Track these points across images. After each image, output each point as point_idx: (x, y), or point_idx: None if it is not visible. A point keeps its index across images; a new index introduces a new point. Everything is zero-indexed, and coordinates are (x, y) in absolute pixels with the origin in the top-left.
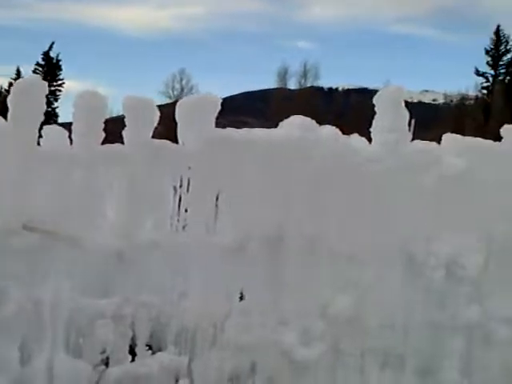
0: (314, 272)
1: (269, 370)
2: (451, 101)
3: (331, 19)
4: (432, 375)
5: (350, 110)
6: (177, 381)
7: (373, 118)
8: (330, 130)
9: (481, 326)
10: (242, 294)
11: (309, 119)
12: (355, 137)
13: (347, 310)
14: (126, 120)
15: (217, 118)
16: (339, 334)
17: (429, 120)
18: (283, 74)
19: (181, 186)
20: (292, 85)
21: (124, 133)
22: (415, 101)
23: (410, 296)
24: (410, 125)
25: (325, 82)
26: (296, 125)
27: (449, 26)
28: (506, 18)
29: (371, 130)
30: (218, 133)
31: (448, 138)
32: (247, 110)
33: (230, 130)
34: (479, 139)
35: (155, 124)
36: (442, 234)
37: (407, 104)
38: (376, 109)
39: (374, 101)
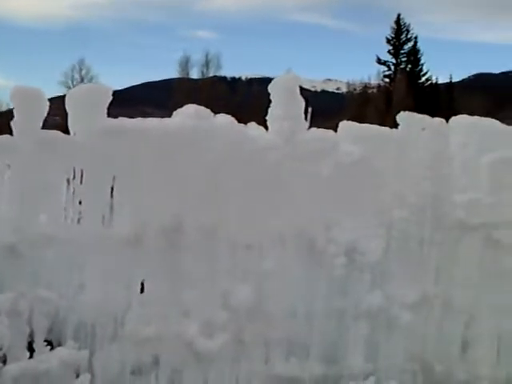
0: (214, 262)
1: (172, 362)
2: (354, 89)
3: (233, 8)
4: (337, 363)
5: (252, 100)
6: (77, 376)
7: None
8: (225, 119)
9: (383, 311)
10: (142, 286)
11: (203, 108)
12: (252, 125)
13: (248, 300)
14: (14, 111)
15: (117, 109)
16: (242, 324)
17: (332, 108)
18: (185, 64)
19: (74, 178)
20: (194, 74)
21: (12, 124)
22: (319, 90)
23: (311, 284)
24: (306, 113)
25: (227, 72)
26: (190, 114)
27: (351, 16)
28: (406, 7)
29: (267, 118)
30: (110, 122)
31: (344, 125)
32: (149, 100)
33: (123, 120)
34: (375, 126)
35: (45, 114)
36: (342, 221)
37: (311, 93)
38: (271, 97)
39: (270, 89)
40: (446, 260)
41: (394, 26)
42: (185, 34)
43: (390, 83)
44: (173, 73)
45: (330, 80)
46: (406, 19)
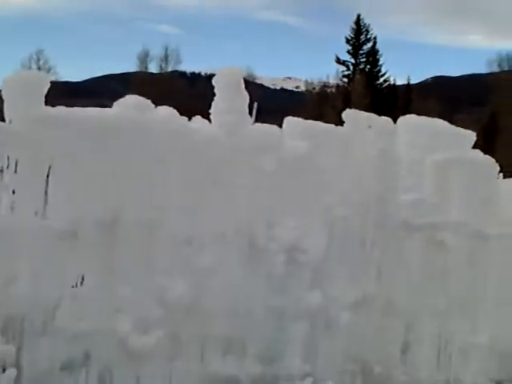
0: (151, 257)
1: (104, 359)
2: (313, 88)
3: (195, 3)
4: (275, 362)
5: (212, 95)
6: (4, 370)
7: None
8: (167, 111)
9: (323, 311)
10: (78, 280)
11: (143, 99)
12: (197, 118)
13: (185, 296)
14: None
15: (74, 101)
16: (178, 321)
17: (292, 106)
18: (144, 58)
19: (8, 167)
20: (153, 68)
21: None
22: (278, 87)
23: (251, 281)
24: (252, 107)
25: (187, 67)
26: (131, 105)
27: (312, 15)
28: (366, 8)
29: (210, 111)
30: (47, 111)
31: (290, 121)
32: (107, 93)
33: (60, 109)
34: (321, 123)
35: None
36: (284, 218)
37: (270, 90)
38: (216, 90)
39: (214, 82)
40: (388, 260)
41: (354, 26)
42: (146, 27)
43: (348, 83)
44: (132, 66)
45: (289, 78)
46: (366, 20)
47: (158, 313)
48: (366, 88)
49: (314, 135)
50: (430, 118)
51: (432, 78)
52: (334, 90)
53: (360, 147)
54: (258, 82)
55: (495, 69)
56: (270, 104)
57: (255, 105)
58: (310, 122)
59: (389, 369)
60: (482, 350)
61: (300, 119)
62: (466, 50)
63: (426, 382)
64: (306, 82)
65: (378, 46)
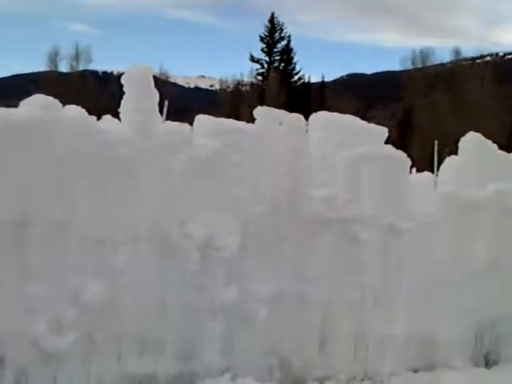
0: (63, 258)
1: (19, 361)
2: (228, 86)
3: (108, 2)
4: (192, 359)
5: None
6: None
7: None
8: (75, 111)
9: (239, 307)
10: None
11: (51, 98)
12: (106, 117)
13: (100, 296)
14: None
15: None
16: (93, 321)
17: (206, 105)
18: (54, 57)
19: None
20: (64, 68)
21: None
22: (192, 86)
23: (166, 279)
24: (163, 106)
25: (100, 66)
26: (37, 104)
27: (225, 13)
28: (280, 6)
29: (120, 110)
30: None
31: (200, 119)
32: (18, 93)
33: None
34: (232, 120)
35: None
36: (197, 215)
37: (184, 89)
38: (125, 89)
39: (123, 81)
40: (302, 255)
41: (268, 24)
42: (58, 25)
43: (262, 81)
44: (42, 66)
45: (203, 77)
46: (280, 18)
47: (72, 313)
48: (280, 86)
49: (224, 133)
50: (341, 115)
51: (347, 75)
52: (248, 88)
53: (271, 144)
54: (172, 80)
55: (409, 66)
56: (185, 103)
57: (166, 103)
58: (221, 119)
59: (307, 362)
60: (398, 340)
61: (210, 117)
62: (381, 47)
63: (344, 374)
64: (221, 80)
65: (292, 44)
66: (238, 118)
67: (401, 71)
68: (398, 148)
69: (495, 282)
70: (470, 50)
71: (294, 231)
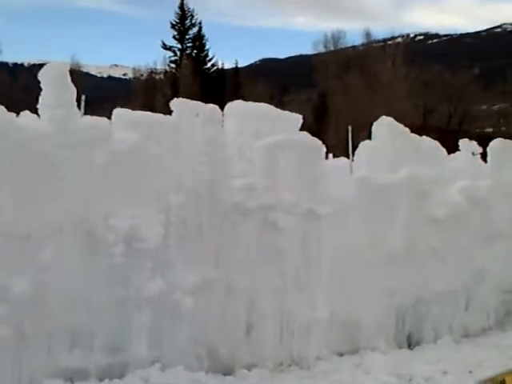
0: None
1: None
2: (141, 75)
3: None
4: (121, 352)
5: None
6: None
7: None
8: None
9: (166, 298)
10: None
11: None
12: (25, 113)
13: (27, 292)
14: None
15: None
16: (22, 317)
17: (120, 95)
18: None
19: None
20: None
21: None
22: (105, 75)
23: (92, 273)
24: (80, 100)
25: (9, 57)
26: None
27: (136, 1)
28: None
29: (38, 106)
30: None
31: (118, 112)
32: None
33: None
34: (149, 113)
35: None
36: (120, 208)
37: (97, 79)
38: (42, 85)
39: (40, 77)
40: (225, 244)
41: (179, 11)
42: None
43: (176, 69)
44: None
45: (116, 66)
46: (190, 4)
47: (1, 309)
48: (193, 73)
49: (143, 126)
50: (256, 104)
51: (260, 60)
52: (162, 76)
53: (189, 135)
54: (84, 70)
55: (321, 49)
56: (98, 93)
57: (83, 97)
58: (139, 112)
59: (233, 350)
60: (322, 324)
61: (129, 110)
62: (294, 31)
63: (271, 359)
64: (134, 69)
65: (203, 31)
66: (153, 108)
67: (313, 55)
68: (314, 133)
69: (414, 265)
70: (380, 31)
71: (216, 221)
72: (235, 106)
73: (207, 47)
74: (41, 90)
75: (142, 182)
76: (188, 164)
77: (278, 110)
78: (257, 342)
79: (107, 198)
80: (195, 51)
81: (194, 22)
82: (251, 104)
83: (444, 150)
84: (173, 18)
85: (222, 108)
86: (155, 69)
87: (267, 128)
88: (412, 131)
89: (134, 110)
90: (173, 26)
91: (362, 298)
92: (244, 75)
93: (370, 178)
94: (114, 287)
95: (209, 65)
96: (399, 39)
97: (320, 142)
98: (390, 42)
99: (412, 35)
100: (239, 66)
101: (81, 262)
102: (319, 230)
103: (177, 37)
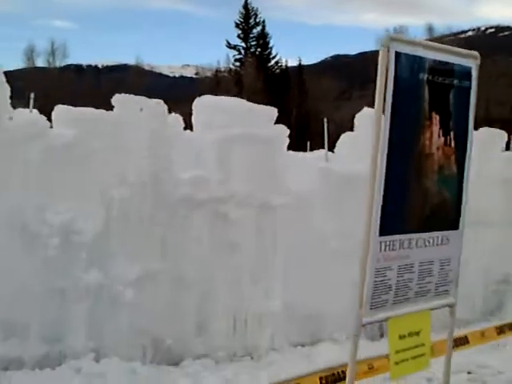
0: None
1: None
2: (209, 75)
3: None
4: (59, 341)
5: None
6: None
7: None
8: None
9: (106, 289)
10: None
11: None
12: None
13: None
14: None
15: None
16: None
17: (191, 94)
18: (30, 53)
19: None
20: (40, 63)
21: None
22: (177, 75)
23: (29, 266)
24: (29, 97)
25: (83, 60)
26: None
27: (207, 2)
28: None
29: None
30: None
31: (59, 108)
32: None
33: None
34: (90, 109)
35: None
36: (56, 202)
37: (169, 79)
38: None
39: None
40: (174, 236)
41: (243, 10)
42: (39, 23)
43: (240, 67)
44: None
45: (188, 65)
46: (261, 3)
47: None
48: (257, 71)
49: (83, 121)
50: (227, 98)
51: (331, 57)
52: (226, 74)
53: (133, 129)
54: (157, 71)
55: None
56: (171, 92)
57: (32, 95)
58: (80, 108)
59: (183, 341)
60: (278, 315)
61: (70, 107)
62: (363, 28)
63: (224, 350)
64: (202, 68)
65: (267, 29)
66: None
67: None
68: None
69: None
70: (452, 26)
71: (162, 213)
72: (203, 100)
73: (271, 45)
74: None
75: (82, 176)
76: (132, 158)
77: (252, 104)
78: (209, 332)
79: (43, 192)
80: (259, 49)
81: (257, 20)
82: (221, 98)
83: None
84: (237, 17)
85: (286, 103)
86: (219, 68)
87: (237, 121)
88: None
89: None
90: (237, 25)
91: (326, 290)
92: (315, 72)
93: (334, 169)
94: (52, 279)
95: (272, 62)
96: (469, 33)
97: (283, 134)
98: (462, 36)
99: (483, 28)
100: (308, 63)
101: (18, 255)
102: (275, 222)
103: (241, 35)
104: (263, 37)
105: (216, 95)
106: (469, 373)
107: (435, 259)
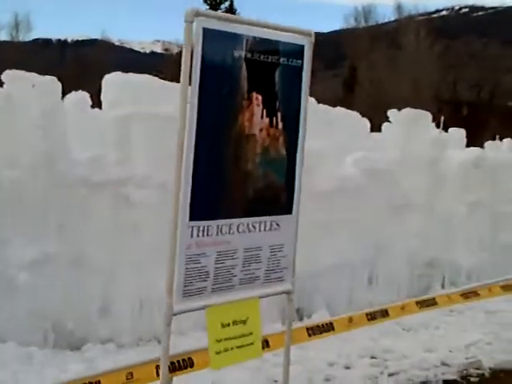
0: None
1: None
2: (165, 50)
3: None
4: None
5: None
6: None
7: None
8: None
9: (1, 274)
10: None
11: None
12: None
13: None
14: None
15: None
16: None
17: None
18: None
19: None
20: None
21: None
22: (148, 51)
23: None
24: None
25: (42, 34)
26: None
27: None
28: None
29: None
30: None
31: None
32: None
33: None
34: None
35: None
36: None
37: (140, 54)
38: None
39: None
40: (72, 218)
41: None
42: None
43: None
44: None
45: (158, 41)
46: None
47: None
48: None
49: None
50: (139, 75)
51: None
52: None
53: (23, 107)
54: (127, 46)
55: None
56: (141, 68)
57: None
58: None
59: (85, 324)
60: None
61: None
62: (335, 6)
63: (129, 334)
64: (169, 43)
65: (235, 5)
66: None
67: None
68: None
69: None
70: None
71: (56, 195)
72: (113, 76)
73: None
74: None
75: None
76: (22, 137)
77: (165, 81)
78: (113, 316)
79: None
80: None
81: None
82: (131, 75)
83: (366, 122)
84: None
85: None
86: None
87: (147, 99)
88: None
89: None
90: (205, 1)
91: None
92: None
93: None
94: None
95: None
96: (444, 12)
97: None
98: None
99: (457, 7)
100: None
101: None
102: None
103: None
104: (231, 12)
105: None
106: (372, 357)
107: (264, 245)
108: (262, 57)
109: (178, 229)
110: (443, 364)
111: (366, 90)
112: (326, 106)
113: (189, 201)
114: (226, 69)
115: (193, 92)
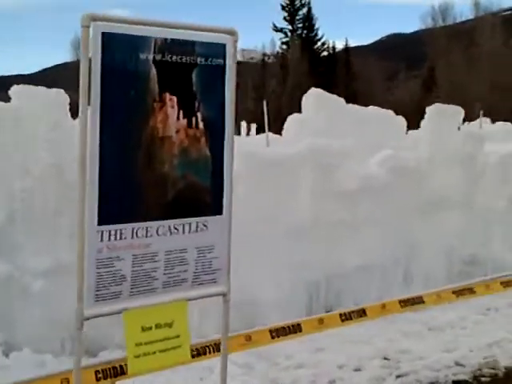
0: None
1: None
2: (251, 58)
3: None
4: None
5: None
6: None
7: None
8: None
9: (15, 280)
10: None
11: None
12: None
13: None
14: None
15: None
16: None
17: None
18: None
19: None
20: None
21: None
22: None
23: None
24: None
25: None
26: None
27: None
28: None
29: None
30: None
31: None
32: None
33: None
34: None
35: None
36: None
37: None
38: None
39: None
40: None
41: None
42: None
43: (287, 50)
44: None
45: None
46: None
47: None
48: (302, 53)
49: None
50: None
51: (387, 36)
52: (272, 58)
53: (32, 120)
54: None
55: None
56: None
57: None
58: None
59: (102, 333)
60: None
61: None
62: (415, 6)
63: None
64: (243, 50)
65: (313, 11)
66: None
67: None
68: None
69: (321, 238)
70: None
71: (68, 205)
72: None
73: (316, 27)
74: None
75: None
76: (33, 149)
77: None
78: None
79: None
80: (305, 31)
81: (303, 2)
82: None
83: (402, 121)
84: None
85: (332, 85)
86: (265, 52)
87: None
88: None
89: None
90: (283, 8)
91: (256, 275)
92: (362, 53)
93: (256, 152)
94: None
95: (318, 44)
96: None
97: None
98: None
99: None
100: (362, 43)
101: None
102: None
103: (287, 18)
104: (309, 19)
105: (262, 78)
106: (385, 358)
107: (189, 247)
108: (174, 58)
109: (86, 233)
110: (458, 364)
111: (445, 90)
112: (355, 105)
113: (96, 205)
114: (131, 72)
115: (94, 98)
